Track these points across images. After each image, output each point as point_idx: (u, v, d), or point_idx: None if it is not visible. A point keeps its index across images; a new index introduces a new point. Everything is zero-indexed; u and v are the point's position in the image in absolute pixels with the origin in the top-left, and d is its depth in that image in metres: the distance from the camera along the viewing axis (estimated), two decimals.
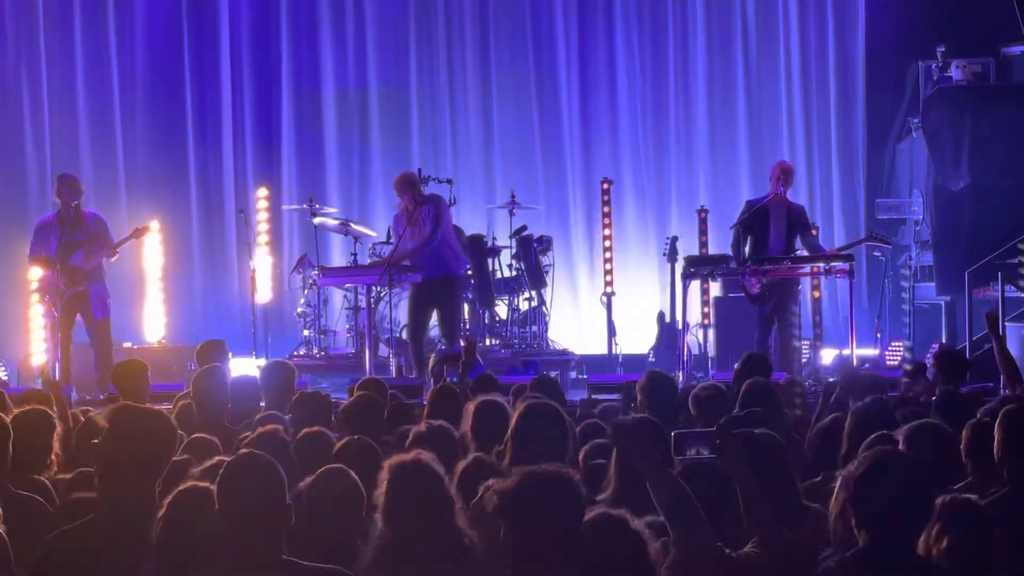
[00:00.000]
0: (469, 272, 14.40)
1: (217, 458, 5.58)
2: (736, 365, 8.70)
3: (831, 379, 9.38)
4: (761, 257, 12.26)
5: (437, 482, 4.64)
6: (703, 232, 15.30)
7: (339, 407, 7.51)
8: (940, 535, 4.31)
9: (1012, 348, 12.04)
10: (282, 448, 5.45)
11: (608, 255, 15.52)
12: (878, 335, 15.01)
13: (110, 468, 4.63)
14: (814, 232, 13.07)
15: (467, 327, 14.00)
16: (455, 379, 9.50)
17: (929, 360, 9.45)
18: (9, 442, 5.63)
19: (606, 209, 15.51)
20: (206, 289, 16.36)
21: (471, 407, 6.35)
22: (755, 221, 12.30)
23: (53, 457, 6.04)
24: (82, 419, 7.19)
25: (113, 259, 12.59)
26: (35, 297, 13.85)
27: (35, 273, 13.25)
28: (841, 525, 4.28)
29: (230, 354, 10.03)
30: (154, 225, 14.78)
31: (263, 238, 15.38)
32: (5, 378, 13.62)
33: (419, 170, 15.23)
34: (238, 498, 4.19)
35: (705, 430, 4.80)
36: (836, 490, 4.33)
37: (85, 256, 12.16)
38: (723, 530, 4.56)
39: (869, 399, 6.45)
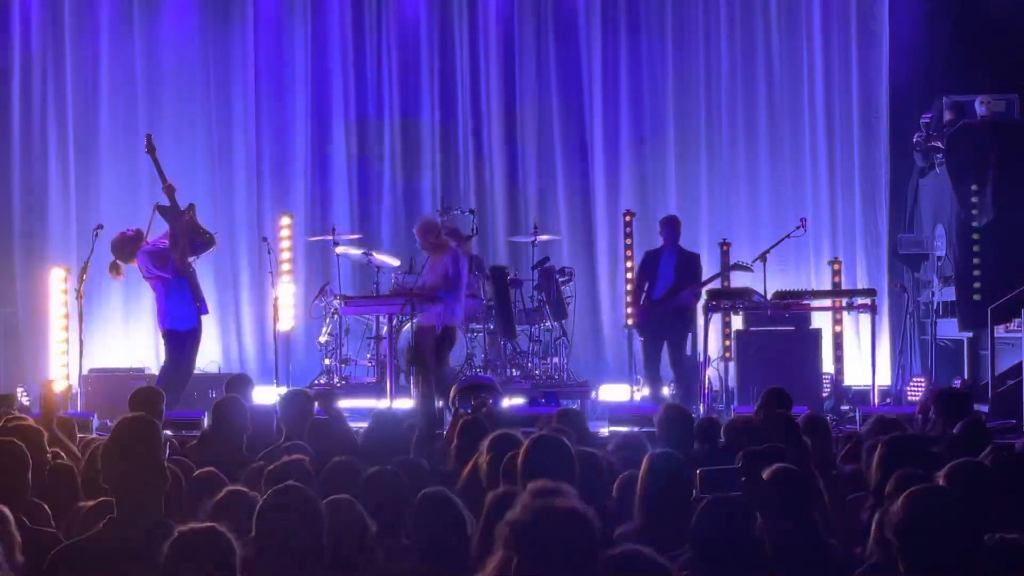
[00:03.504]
0: (490, 304, 14.44)
1: (227, 489, 5.60)
2: (759, 399, 8.76)
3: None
4: (784, 292, 12.69)
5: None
6: (724, 266, 15.27)
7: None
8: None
9: None
10: (306, 479, 5.45)
11: (630, 287, 15.49)
12: (899, 371, 14.99)
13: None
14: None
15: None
16: (467, 409, 9.64)
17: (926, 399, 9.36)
18: (27, 473, 5.60)
19: (628, 241, 15.50)
20: (227, 317, 16.36)
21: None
22: (647, 268, 13.85)
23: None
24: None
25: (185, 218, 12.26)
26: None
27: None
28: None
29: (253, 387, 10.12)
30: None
31: (285, 266, 15.41)
32: (27, 403, 13.64)
33: (441, 201, 15.32)
34: (277, 533, 4.20)
35: (729, 467, 4.79)
36: (875, 529, 4.23)
37: (156, 296, 12.37)
38: (747, 566, 4.55)
39: (897, 433, 6.42)
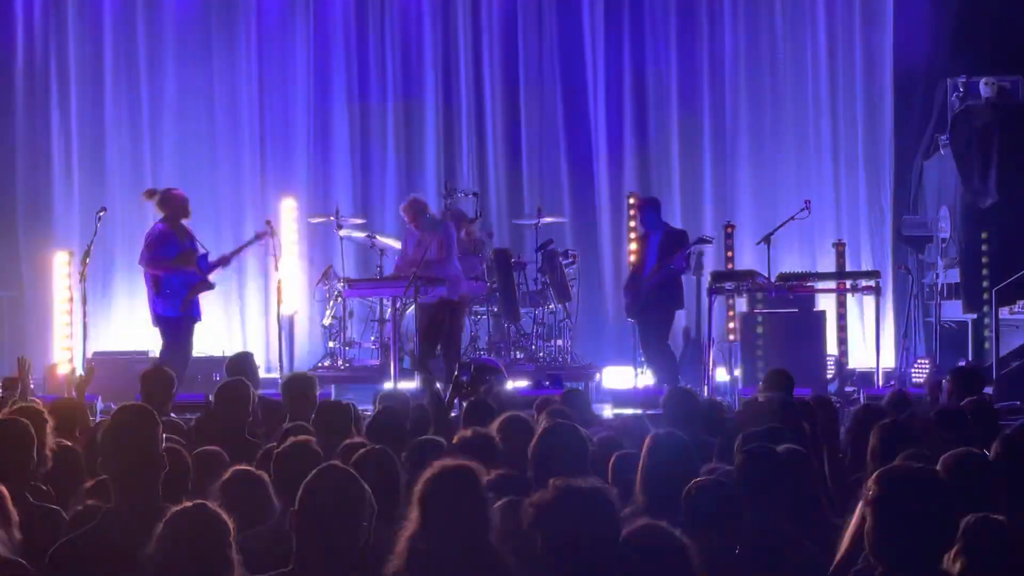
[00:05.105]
0: (493, 287, 14.43)
1: (233, 469, 5.59)
2: (761, 382, 8.76)
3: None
4: (788, 274, 12.70)
5: (478, 491, 4.57)
6: (729, 247, 15.26)
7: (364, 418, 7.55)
8: (958, 555, 4.08)
9: None
10: (313, 459, 5.44)
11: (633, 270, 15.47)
12: (904, 352, 14.99)
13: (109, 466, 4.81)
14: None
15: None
16: (466, 378, 9.67)
17: (944, 378, 9.38)
18: (32, 450, 5.62)
19: (632, 223, 15.47)
20: (231, 300, 16.35)
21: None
22: (639, 252, 13.71)
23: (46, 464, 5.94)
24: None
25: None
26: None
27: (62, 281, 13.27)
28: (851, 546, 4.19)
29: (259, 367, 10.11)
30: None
31: (289, 249, 15.38)
32: (32, 386, 13.63)
33: (445, 183, 15.30)
34: (317, 514, 4.25)
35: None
36: (857, 512, 4.23)
37: (145, 283, 12.36)
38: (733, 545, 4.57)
39: (889, 420, 6.40)
